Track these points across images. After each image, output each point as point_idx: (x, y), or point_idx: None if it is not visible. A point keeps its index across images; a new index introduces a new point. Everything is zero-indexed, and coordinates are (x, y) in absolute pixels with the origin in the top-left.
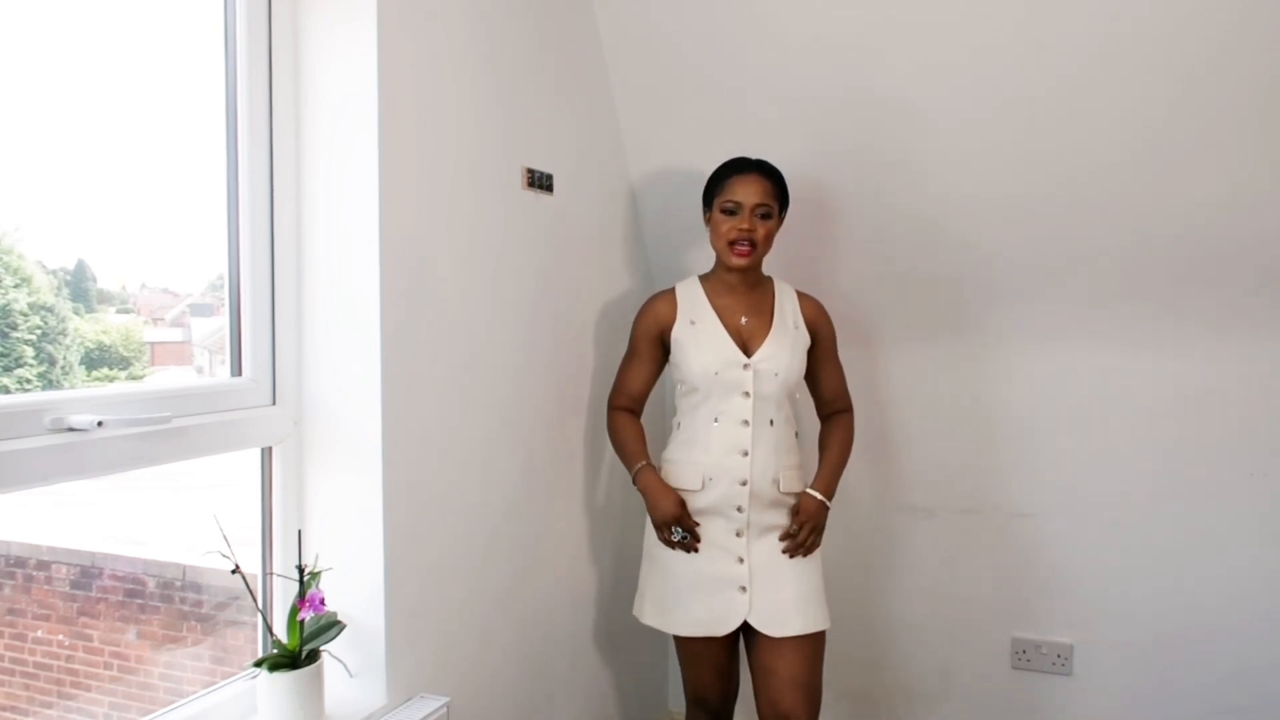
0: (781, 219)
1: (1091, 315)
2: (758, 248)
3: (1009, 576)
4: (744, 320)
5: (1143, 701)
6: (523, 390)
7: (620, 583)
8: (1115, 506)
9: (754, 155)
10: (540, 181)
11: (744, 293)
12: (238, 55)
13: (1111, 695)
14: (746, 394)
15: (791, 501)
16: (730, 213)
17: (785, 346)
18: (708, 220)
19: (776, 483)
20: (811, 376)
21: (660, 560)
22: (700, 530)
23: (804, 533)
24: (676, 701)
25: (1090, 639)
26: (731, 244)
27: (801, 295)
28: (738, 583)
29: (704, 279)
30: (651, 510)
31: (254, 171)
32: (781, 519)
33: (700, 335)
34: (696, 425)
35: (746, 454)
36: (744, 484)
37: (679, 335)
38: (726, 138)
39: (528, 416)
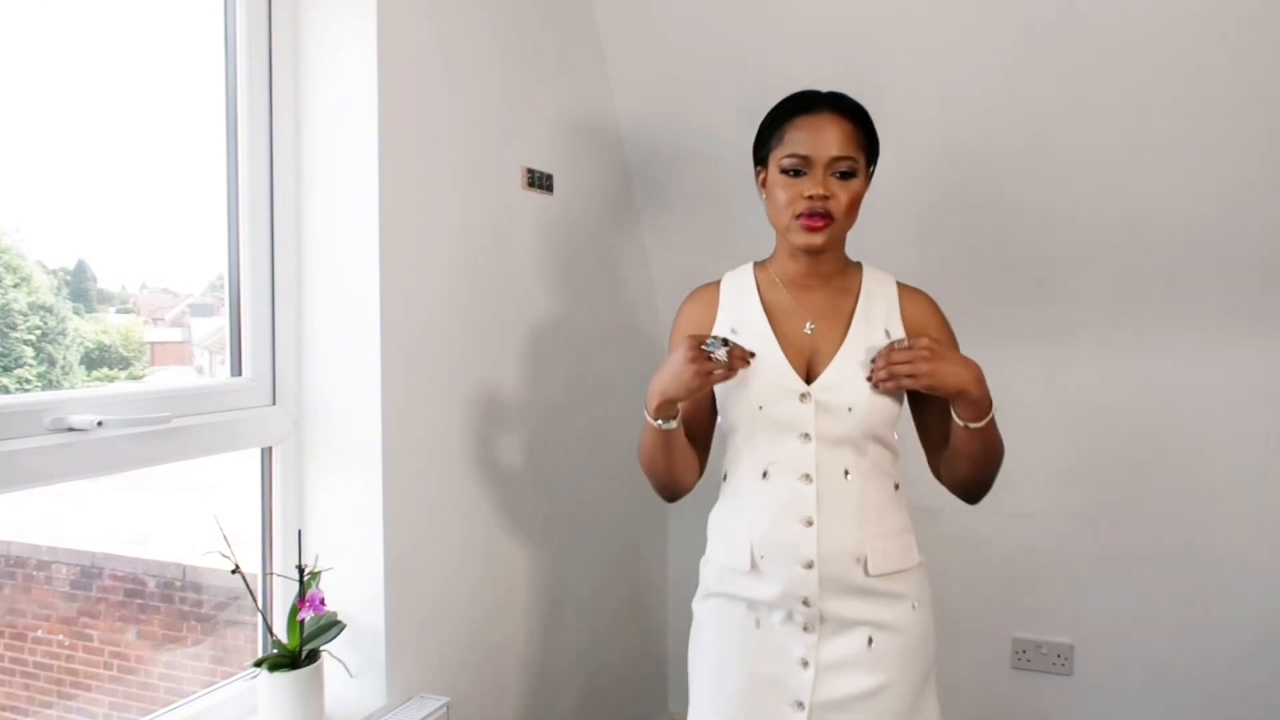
0: (870, 177)
1: (1090, 315)
2: (837, 220)
3: (1009, 576)
4: (809, 327)
5: (1143, 701)
6: (523, 389)
7: (621, 582)
8: (1115, 506)
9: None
10: (540, 181)
11: (815, 285)
12: (238, 56)
13: (1111, 695)
14: (806, 435)
15: (889, 588)
16: (795, 172)
17: (866, 366)
18: (761, 184)
19: (862, 562)
20: (918, 409)
21: (698, 653)
22: (756, 621)
23: (911, 353)
24: (676, 701)
25: (1090, 639)
26: (799, 216)
27: (906, 290)
28: (794, 696)
29: (760, 267)
30: (669, 386)
31: (254, 171)
32: (875, 612)
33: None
34: (742, 479)
35: (811, 523)
36: (809, 566)
37: None
38: (729, 136)
39: (528, 415)
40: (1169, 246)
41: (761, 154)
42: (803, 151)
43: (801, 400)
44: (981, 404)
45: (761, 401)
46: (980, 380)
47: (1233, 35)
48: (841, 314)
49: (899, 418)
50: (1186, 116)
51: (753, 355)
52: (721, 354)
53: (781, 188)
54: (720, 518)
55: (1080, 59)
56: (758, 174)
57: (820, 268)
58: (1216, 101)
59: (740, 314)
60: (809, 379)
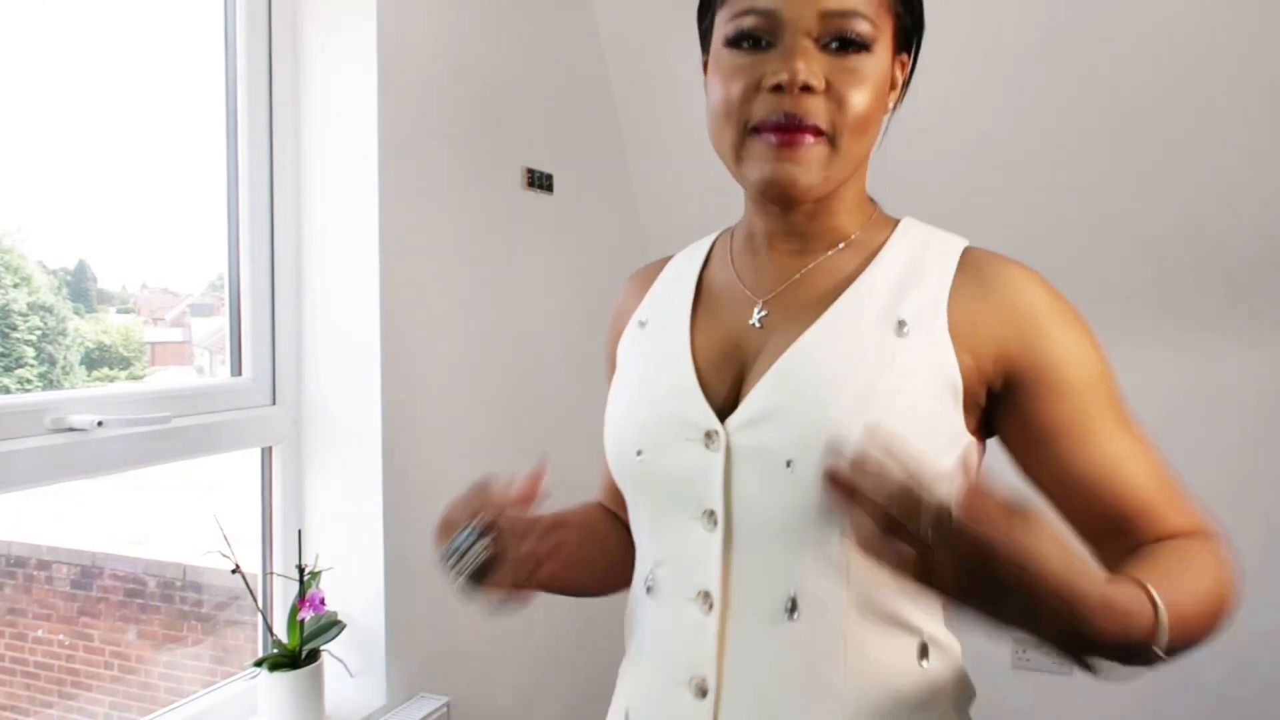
0: (909, 68)
1: (1088, 313)
2: (838, 134)
3: None
4: (758, 315)
5: (1143, 701)
6: (523, 390)
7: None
8: None
9: None
10: (540, 181)
11: (792, 253)
12: (238, 56)
13: (1111, 695)
14: (709, 516)
15: None
16: (753, 42)
17: (835, 376)
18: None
19: None
20: (1050, 473)
21: None
22: None
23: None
24: None
25: None
26: (755, 127)
27: (978, 262)
28: None
29: (730, 233)
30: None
31: (254, 171)
32: None
33: (637, 353)
34: (634, 586)
35: (706, 692)
36: None
37: (622, 352)
38: None
39: (528, 416)
40: (1164, 244)
41: (705, 25)
42: (764, 4)
43: (707, 444)
44: (1101, 636)
45: (641, 443)
46: (1070, 600)
47: (1231, 33)
48: (823, 295)
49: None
50: (1183, 116)
51: (546, 539)
52: (473, 553)
53: (724, 74)
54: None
55: (1073, 58)
56: (705, 65)
57: (804, 225)
58: (1216, 99)
59: (662, 300)
60: (731, 405)
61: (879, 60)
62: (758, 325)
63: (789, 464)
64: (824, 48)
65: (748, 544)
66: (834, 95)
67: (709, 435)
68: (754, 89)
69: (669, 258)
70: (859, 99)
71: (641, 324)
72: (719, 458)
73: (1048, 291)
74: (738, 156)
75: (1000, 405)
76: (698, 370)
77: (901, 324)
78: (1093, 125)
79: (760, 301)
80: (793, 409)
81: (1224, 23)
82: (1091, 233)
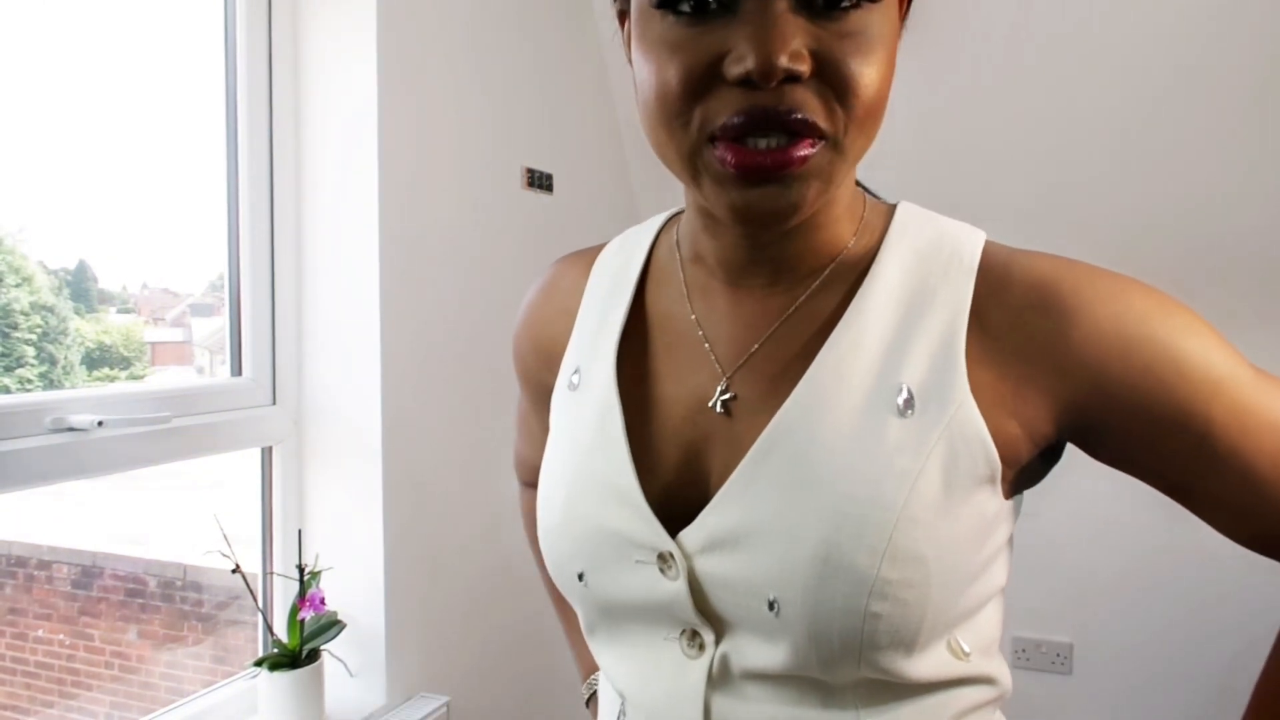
0: (904, 14)
1: None
2: (843, 137)
3: (1009, 576)
4: (719, 398)
5: (1142, 701)
6: None
7: None
8: (1115, 506)
9: None
10: (540, 181)
11: (759, 285)
12: (238, 56)
13: (1111, 695)
14: (692, 637)
15: None
16: (691, 2)
17: (816, 480)
18: (626, 42)
19: None
20: (1216, 504)
21: None
22: None
23: None
24: None
25: (1090, 639)
26: (715, 139)
27: (1001, 272)
28: None
29: (674, 226)
30: None
31: (254, 171)
32: None
33: (567, 432)
34: (604, 706)
35: None
36: None
37: (554, 417)
38: None
39: None
40: (1160, 243)
41: None
42: None
43: (662, 569)
44: None
45: (581, 564)
46: None
47: (1227, 33)
48: (802, 351)
49: (991, 578)
50: (1181, 116)
51: None
52: None
53: (657, 50)
54: None
55: (1070, 62)
56: (622, 27)
57: (780, 250)
58: (1212, 101)
59: (589, 339)
60: (686, 517)
61: (888, 11)
62: (721, 410)
63: (773, 606)
64: (803, 3)
65: (737, 690)
66: (829, 76)
67: (662, 558)
68: (706, 77)
69: (597, 248)
70: (868, 77)
71: (573, 383)
72: (681, 586)
73: (1107, 291)
74: (692, 170)
75: (1081, 444)
76: (640, 462)
77: (905, 399)
78: (1100, 116)
79: (724, 378)
80: (765, 531)
81: (1240, 16)
82: (1104, 231)
